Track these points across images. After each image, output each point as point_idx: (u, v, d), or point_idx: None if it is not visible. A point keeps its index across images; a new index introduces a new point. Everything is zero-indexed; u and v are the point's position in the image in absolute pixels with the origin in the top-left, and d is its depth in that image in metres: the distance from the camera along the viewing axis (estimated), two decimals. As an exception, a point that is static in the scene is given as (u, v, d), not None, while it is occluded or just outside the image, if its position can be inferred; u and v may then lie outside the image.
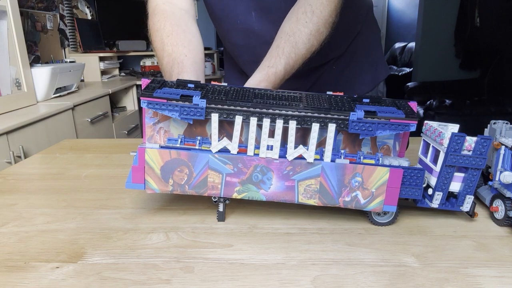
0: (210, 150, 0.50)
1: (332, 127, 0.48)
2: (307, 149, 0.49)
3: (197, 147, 0.51)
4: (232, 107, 0.48)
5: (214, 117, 0.49)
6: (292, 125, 0.48)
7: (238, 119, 0.49)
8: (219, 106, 0.48)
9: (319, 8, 0.67)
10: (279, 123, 0.48)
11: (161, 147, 0.50)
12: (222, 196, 0.51)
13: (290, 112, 0.48)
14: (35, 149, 1.43)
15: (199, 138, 0.52)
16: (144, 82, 0.52)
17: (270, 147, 0.49)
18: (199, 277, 0.42)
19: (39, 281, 0.41)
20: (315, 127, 0.48)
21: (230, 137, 0.52)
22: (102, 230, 0.52)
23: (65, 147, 0.92)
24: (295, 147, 0.49)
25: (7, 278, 0.41)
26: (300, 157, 0.50)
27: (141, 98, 0.49)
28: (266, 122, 0.48)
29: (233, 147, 0.49)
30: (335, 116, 0.48)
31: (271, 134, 0.49)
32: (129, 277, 0.42)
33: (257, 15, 0.79)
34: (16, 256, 0.46)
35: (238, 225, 0.53)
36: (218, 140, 0.50)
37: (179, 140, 0.52)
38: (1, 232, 0.51)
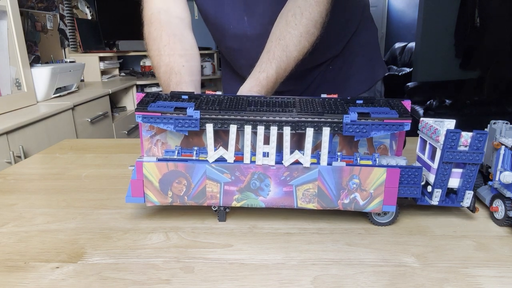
0: (207, 160, 0.50)
1: (326, 131, 0.48)
2: (303, 154, 0.49)
3: (194, 158, 0.52)
4: (226, 117, 0.49)
5: (209, 128, 0.49)
6: (287, 131, 0.48)
7: (233, 128, 0.49)
8: (213, 116, 0.49)
9: (308, 10, 0.67)
10: (274, 130, 0.48)
11: (159, 159, 0.50)
12: (221, 205, 0.52)
13: (284, 118, 0.49)
14: (35, 149, 1.43)
15: (196, 148, 0.52)
16: (138, 96, 0.52)
17: (266, 154, 0.49)
18: (199, 277, 0.42)
19: (39, 281, 0.41)
20: (310, 131, 0.48)
21: (226, 146, 0.52)
22: (102, 230, 0.52)
23: (65, 147, 0.92)
24: (291, 153, 0.49)
25: (7, 278, 0.41)
26: (297, 162, 0.50)
27: (136, 113, 0.49)
28: (261, 129, 0.49)
29: (230, 156, 0.50)
30: (329, 120, 0.48)
31: (267, 140, 0.49)
32: (129, 277, 0.42)
33: (249, 20, 0.80)
34: (16, 256, 0.46)
35: (238, 225, 0.53)
36: (214, 150, 0.50)
37: (176, 151, 0.52)
38: (1, 232, 0.51)
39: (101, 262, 0.44)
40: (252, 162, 0.50)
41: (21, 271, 0.43)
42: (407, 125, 0.48)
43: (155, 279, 0.41)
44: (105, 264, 0.44)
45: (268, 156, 0.49)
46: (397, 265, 0.44)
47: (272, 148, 0.49)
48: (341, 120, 0.48)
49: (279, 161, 0.50)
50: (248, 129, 0.49)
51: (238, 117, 0.49)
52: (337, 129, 0.48)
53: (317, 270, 0.43)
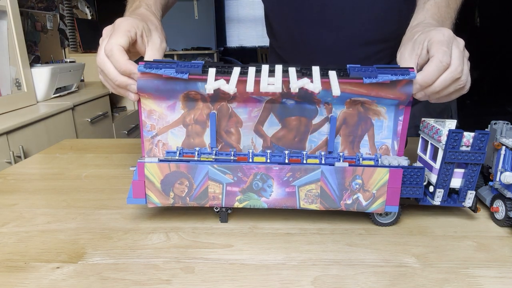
0: (209, 161, 0.50)
1: (332, 73, 0.47)
2: (311, 81, 0.46)
3: (196, 158, 0.52)
4: (228, 65, 0.48)
5: (211, 71, 0.47)
6: (292, 69, 0.48)
7: (236, 70, 0.47)
8: (216, 64, 0.48)
9: None
10: (278, 68, 0.47)
11: (160, 160, 0.50)
12: (223, 206, 0.51)
13: (287, 67, 0.49)
14: (35, 149, 1.43)
15: (197, 149, 0.52)
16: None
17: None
18: (199, 277, 0.42)
19: (39, 281, 0.41)
20: (316, 71, 0.47)
21: (228, 146, 0.52)
22: (102, 230, 0.52)
23: (65, 147, 0.92)
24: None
25: (7, 278, 0.41)
26: (299, 162, 0.50)
27: (139, 63, 0.49)
28: (265, 67, 0.48)
29: (231, 87, 0.46)
30: (334, 67, 0.48)
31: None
32: (129, 277, 0.42)
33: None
34: (16, 256, 0.46)
35: (239, 226, 0.53)
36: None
37: (178, 152, 0.52)
38: (1, 232, 0.51)
39: (101, 262, 0.44)
40: (254, 162, 0.50)
41: (22, 271, 0.43)
42: (413, 73, 0.47)
43: (155, 280, 0.41)
44: (106, 264, 0.44)
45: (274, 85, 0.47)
46: (398, 265, 0.44)
47: (277, 79, 0.46)
48: (346, 68, 0.48)
49: (282, 161, 0.50)
50: (252, 70, 0.47)
51: (241, 65, 0.48)
52: (343, 74, 0.48)
53: (318, 270, 0.43)
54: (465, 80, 0.50)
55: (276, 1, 0.83)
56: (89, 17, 2.89)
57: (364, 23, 0.77)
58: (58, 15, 2.42)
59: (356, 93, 0.50)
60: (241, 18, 5.82)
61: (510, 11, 3.37)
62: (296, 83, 0.45)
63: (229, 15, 5.79)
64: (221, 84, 0.46)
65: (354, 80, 0.48)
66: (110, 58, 0.50)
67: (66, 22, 2.53)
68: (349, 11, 0.76)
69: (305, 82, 0.45)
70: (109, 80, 0.51)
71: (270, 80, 0.46)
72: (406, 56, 0.51)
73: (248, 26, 5.86)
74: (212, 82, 0.46)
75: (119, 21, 0.52)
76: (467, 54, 0.51)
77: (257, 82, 0.47)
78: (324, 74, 0.47)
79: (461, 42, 0.50)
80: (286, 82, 0.48)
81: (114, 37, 0.50)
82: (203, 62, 0.48)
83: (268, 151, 0.51)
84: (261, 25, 5.73)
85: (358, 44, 0.78)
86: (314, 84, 0.45)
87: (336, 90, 0.45)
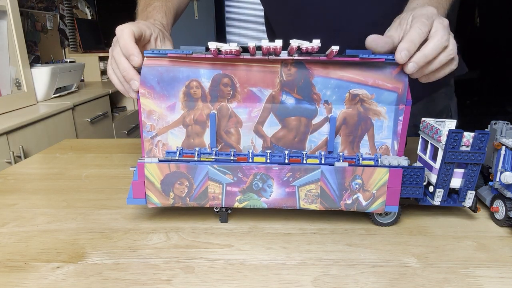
0: (209, 161, 0.50)
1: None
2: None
3: (195, 159, 0.52)
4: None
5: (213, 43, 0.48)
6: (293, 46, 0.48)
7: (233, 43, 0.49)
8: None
9: None
10: (279, 41, 0.48)
11: (160, 160, 0.50)
12: (223, 206, 0.51)
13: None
14: (35, 149, 1.43)
15: (197, 149, 0.52)
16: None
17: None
18: (199, 277, 0.42)
19: (39, 281, 0.41)
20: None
21: (228, 146, 0.53)
22: (102, 230, 0.52)
23: (65, 147, 0.92)
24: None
25: (7, 278, 0.41)
26: (299, 163, 0.50)
27: (144, 51, 0.51)
28: (265, 40, 0.48)
29: (232, 46, 0.48)
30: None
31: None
32: (129, 277, 0.42)
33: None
34: (16, 256, 0.46)
35: (239, 226, 0.53)
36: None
37: (178, 152, 0.52)
38: (1, 232, 0.51)
39: (101, 262, 0.44)
40: (254, 162, 0.50)
41: (22, 271, 0.43)
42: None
43: (155, 280, 0.41)
44: (106, 264, 0.44)
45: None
46: (398, 265, 0.44)
47: (278, 42, 0.48)
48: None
49: (282, 161, 0.50)
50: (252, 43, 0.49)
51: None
52: (340, 51, 0.49)
53: (318, 270, 0.43)
54: (454, 51, 0.51)
55: (275, 7, 0.84)
56: (89, 17, 2.89)
57: (361, 28, 0.78)
58: (58, 15, 2.42)
59: (353, 80, 0.51)
60: (241, 18, 5.82)
61: (510, 11, 3.37)
62: (296, 41, 0.47)
63: (229, 15, 5.79)
64: (223, 44, 0.48)
65: (350, 59, 0.49)
66: (119, 40, 0.52)
67: (66, 22, 2.53)
68: (346, 18, 0.77)
69: (303, 42, 0.47)
70: (117, 71, 0.53)
71: (271, 44, 0.48)
72: (392, 32, 0.53)
73: (248, 26, 5.86)
74: (212, 43, 0.48)
75: (138, 20, 0.56)
76: (452, 34, 0.52)
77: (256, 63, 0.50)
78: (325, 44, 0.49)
79: (445, 20, 0.52)
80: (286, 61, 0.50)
81: (128, 24, 0.53)
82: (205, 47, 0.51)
83: (268, 151, 0.51)
84: (261, 25, 5.72)
85: (356, 48, 0.79)
86: (313, 43, 0.47)
87: (334, 47, 0.47)
